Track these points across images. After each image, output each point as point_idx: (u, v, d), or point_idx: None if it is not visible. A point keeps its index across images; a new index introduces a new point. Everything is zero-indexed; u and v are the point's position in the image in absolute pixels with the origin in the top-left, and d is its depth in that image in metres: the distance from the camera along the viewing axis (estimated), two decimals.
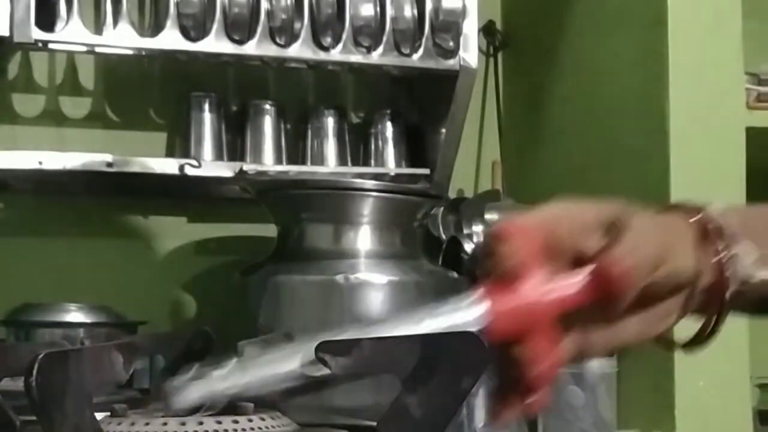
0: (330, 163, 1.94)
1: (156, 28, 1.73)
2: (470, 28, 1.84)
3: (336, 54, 1.78)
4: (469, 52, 1.84)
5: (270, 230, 1.75)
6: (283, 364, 0.71)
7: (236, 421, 0.70)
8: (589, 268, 0.74)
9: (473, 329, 0.70)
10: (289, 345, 0.73)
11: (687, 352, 0.83)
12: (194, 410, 0.69)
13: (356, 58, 1.79)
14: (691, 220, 0.79)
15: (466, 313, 0.72)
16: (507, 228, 0.73)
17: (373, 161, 1.97)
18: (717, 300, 0.78)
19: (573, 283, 0.74)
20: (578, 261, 0.76)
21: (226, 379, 0.70)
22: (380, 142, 1.98)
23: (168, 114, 1.97)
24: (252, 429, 0.70)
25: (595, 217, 0.77)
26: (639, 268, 0.74)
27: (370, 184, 1.68)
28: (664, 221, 0.79)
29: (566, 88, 2.02)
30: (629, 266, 0.73)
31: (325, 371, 0.70)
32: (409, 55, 1.82)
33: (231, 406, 0.72)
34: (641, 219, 0.76)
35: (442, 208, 1.93)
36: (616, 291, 0.73)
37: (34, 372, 0.63)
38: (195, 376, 0.70)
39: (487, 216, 1.91)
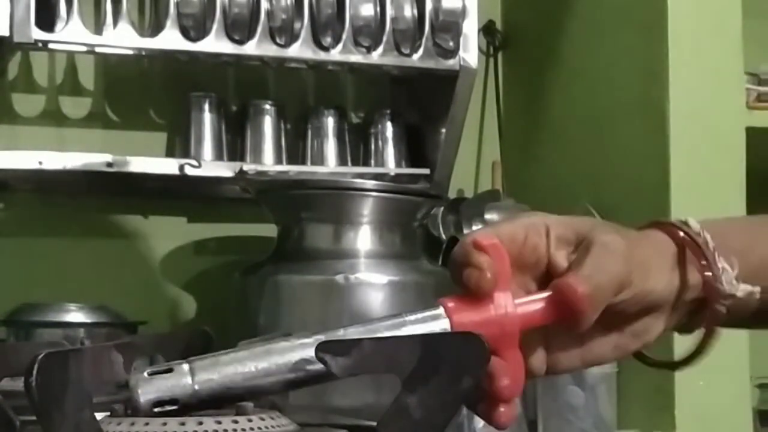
0: (330, 163, 1.94)
1: (156, 28, 1.73)
2: (470, 28, 1.84)
3: (336, 54, 1.78)
4: (469, 52, 1.84)
5: (270, 230, 1.75)
6: (251, 364, 0.71)
7: (236, 421, 0.70)
8: (552, 287, 0.74)
9: None
10: (259, 345, 0.73)
11: (677, 370, 0.83)
12: (161, 406, 0.69)
13: (356, 58, 1.79)
14: (673, 237, 0.78)
15: (430, 326, 0.73)
16: (480, 240, 0.73)
17: (373, 161, 1.98)
18: (704, 316, 0.78)
19: (537, 300, 0.74)
20: (547, 275, 0.76)
21: (194, 374, 0.70)
22: (380, 142, 1.98)
23: (168, 114, 1.97)
24: (252, 429, 0.70)
25: (566, 231, 0.76)
26: (600, 289, 0.73)
27: (370, 184, 1.68)
28: (641, 239, 0.78)
29: (566, 88, 2.02)
30: (590, 287, 0.72)
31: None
32: (409, 55, 1.82)
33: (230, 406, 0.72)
34: (611, 237, 0.75)
35: (442, 208, 1.93)
36: (577, 311, 0.73)
37: (34, 372, 0.63)
38: (162, 371, 0.70)
39: (487, 216, 1.91)
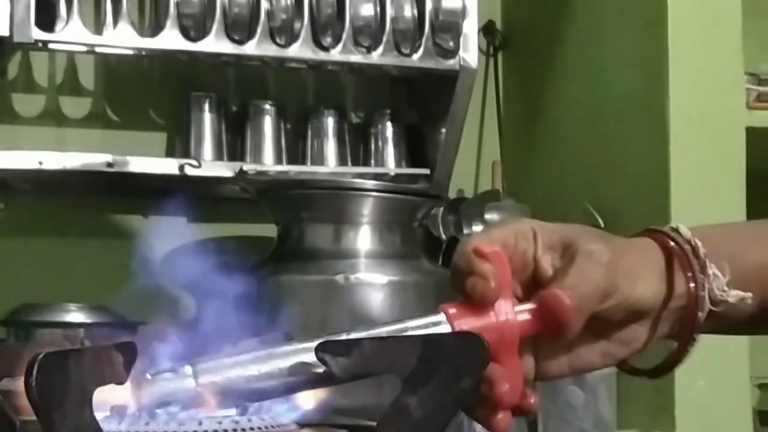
0: (330, 163, 1.94)
1: (156, 28, 1.74)
2: (470, 28, 1.84)
3: (336, 54, 1.78)
4: (469, 52, 1.84)
5: (270, 230, 1.75)
6: (253, 367, 0.71)
7: (236, 421, 0.70)
8: (537, 298, 0.74)
9: None
10: (262, 348, 0.73)
11: (654, 377, 0.83)
12: (163, 408, 0.69)
13: (356, 58, 1.79)
14: (662, 245, 0.78)
15: (432, 332, 0.73)
16: (482, 248, 0.73)
17: (373, 161, 1.98)
18: (689, 323, 0.78)
19: (525, 310, 0.74)
20: (533, 280, 0.76)
21: (197, 377, 0.70)
22: (380, 142, 1.98)
23: (168, 114, 1.97)
24: (252, 429, 0.70)
25: (552, 237, 0.76)
26: (584, 298, 0.73)
27: (370, 184, 1.68)
28: (629, 247, 0.78)
29: (566, 87, 2.02)
30: (573, 297, 0.73)
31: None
32: (409, 55, 1.82)
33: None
34: (596, 246, 0.75)
35: (442, 208, 1.93)
36: (562, 321, 0.73)
37: (34, 372, 0.63)
38: (165, 372, 0.70)
39: (487, 216, 1.91)
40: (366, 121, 2.03)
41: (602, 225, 1.78)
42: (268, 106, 1.92)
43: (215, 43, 1.72)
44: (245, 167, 1.80)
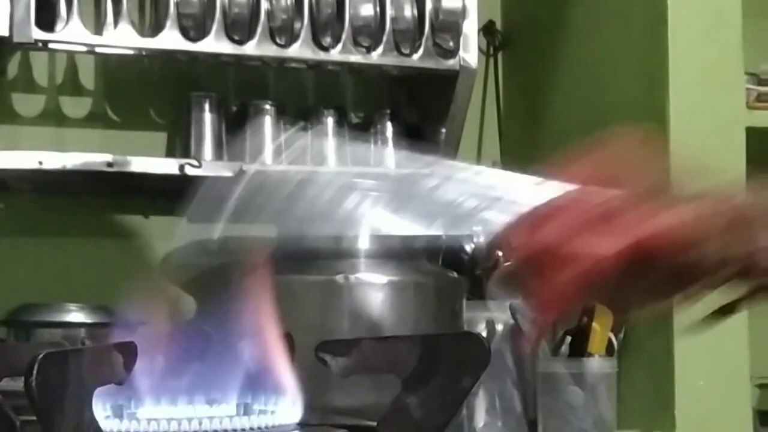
0: (330, 163, 1.94)
1: (156, 28, 1.74)
2: (470, 28, 1.84)
3: (336, 54, 1.78)
4: (469, 52, 1.84)
5: (270, 230, 1.74)
6: None
7: (236, 421, 0.70)
8: (632, 231, 0.75)
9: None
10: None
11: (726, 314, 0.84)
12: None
13: (356, 58, 1.79)
14: (729, 204, 0.79)
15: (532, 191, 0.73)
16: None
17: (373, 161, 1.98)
18: (754, 281, 0.79)
19: (613, 241, 0.74)
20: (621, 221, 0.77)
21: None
22: (380, 142, 1.98)
23: (168, 114, 1.97)
24: (252, 429, 0.70)
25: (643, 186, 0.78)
26: (680, 243, 0.76)
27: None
28: (702, 204, 0.79)
29: (566, 88, 2.02)
30: (674, 237, 0.76)
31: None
32: (409, 55, 1.82)
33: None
34: (689, 199, 0.77)
35: None
36: (654, 257, 0.74)
37: (34, 372, 0.63)
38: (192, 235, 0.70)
39: (487, 215, 1.91)
40: (366, 121, 2.03)
41: None
42: (268, 106, 1.92)
43: (215, 43, 1.72)
44: (245, 167, 1.80)
